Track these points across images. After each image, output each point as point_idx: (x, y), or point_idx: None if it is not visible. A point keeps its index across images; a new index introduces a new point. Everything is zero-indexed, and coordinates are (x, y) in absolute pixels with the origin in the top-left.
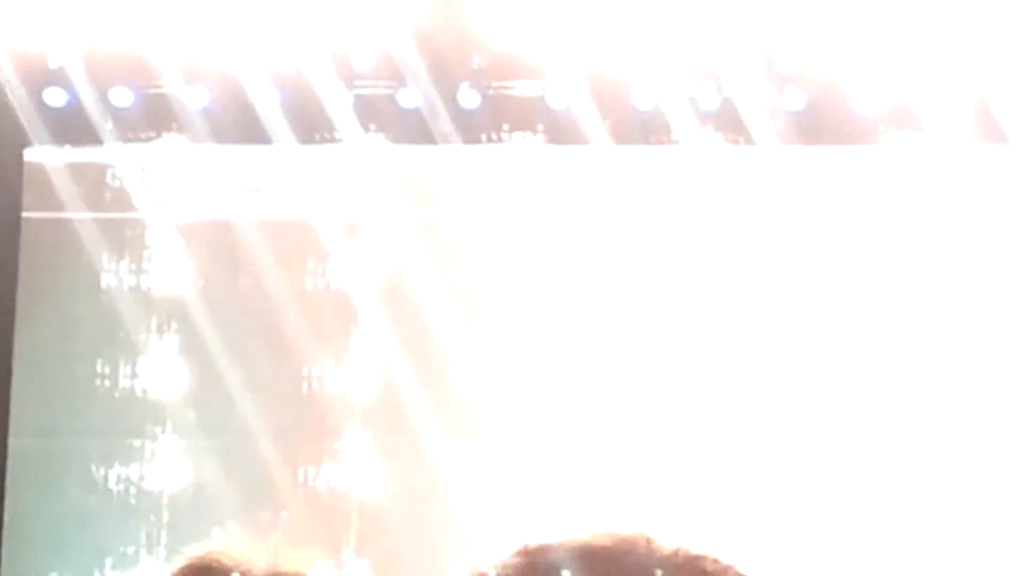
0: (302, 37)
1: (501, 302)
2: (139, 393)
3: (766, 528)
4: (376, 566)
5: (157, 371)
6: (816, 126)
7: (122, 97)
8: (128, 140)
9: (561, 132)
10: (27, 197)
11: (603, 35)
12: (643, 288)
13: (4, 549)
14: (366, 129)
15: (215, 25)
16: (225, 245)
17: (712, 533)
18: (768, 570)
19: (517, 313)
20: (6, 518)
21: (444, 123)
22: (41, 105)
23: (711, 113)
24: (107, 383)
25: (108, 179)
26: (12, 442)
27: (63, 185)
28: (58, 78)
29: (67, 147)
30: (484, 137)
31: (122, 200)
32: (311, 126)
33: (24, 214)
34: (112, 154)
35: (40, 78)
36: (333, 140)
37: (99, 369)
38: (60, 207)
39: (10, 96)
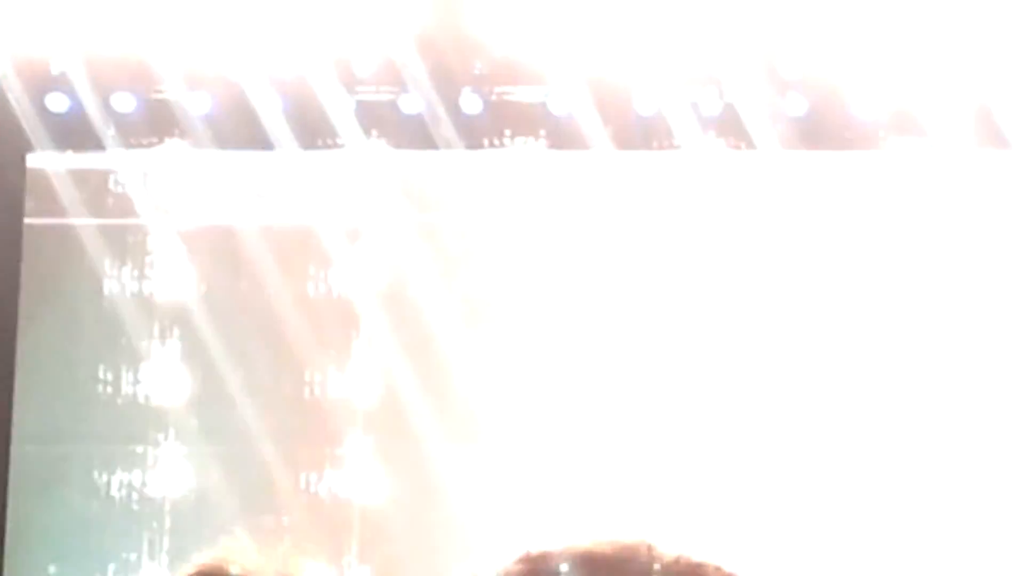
0: (304, 43)
1: (503, 308)
2: (141, 399)
3: (768, 536)
4: (378, 572)
5: (159, 377)
6: (818, 131)
7: (124, 103)
8: (130, 146)
9: (563, 137)
10: (29, 203)
11: (605, 40)
12: (645, 294)
13: (6, 555)
14: (368, 135)
15: (217, 31)
16: (227, 251)
17: (714, 541)
18: None
19: (519, 319)
20: (8, 524)
21: (446, 129)
22: (43, 111)
23: (713, 118)
24: (109, 389)
25: (110, 185)
26: (14, 448)
27: (65, 191)
28: (60, 83)
29: (69, 153)
30: (486, 142)
31: (124, 206)
32: (313, 132)
33: (26, 220)
34: (114, 160)
35: (42, 83)
36: (335, 146)
37: (101, 375)
38: (62, 213)
39: (12, 101)
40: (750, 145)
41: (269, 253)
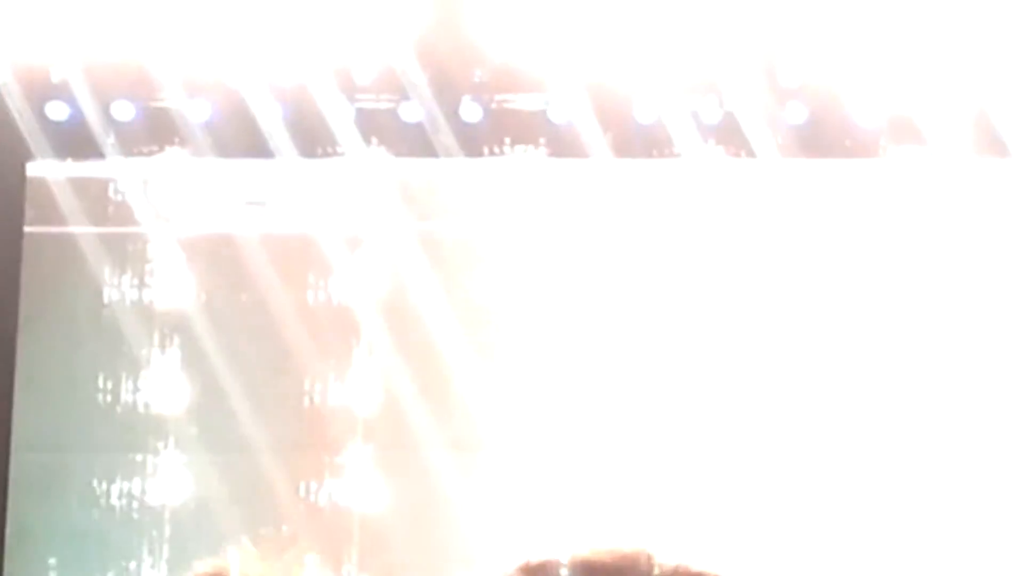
0: (304, 51)
1: (504, 316)
2: (141, 407)
3: (768, 545)
4: None
5: (159, 385)
6: (817, 139)
7: (124, 111)
8: (130, 154)
9: (563, 145)
10: (29, 211)
11: (604, 49)
12: (645, 301)
13: (6, 563)
14: (368, 143)
15: (217, 39)
16: (227, 259)
17: (714, 550)
18: None
19: (520, 327)
20: (8, 532)
21: (446, 137)
22: (43, 119)
23: (713, 126)
24: (109, 397)
25: (110, 193)
26: (14, 456)
27: (65, 199)
28: (60, 92)
29: (69, 161)
30: (486, 150)
31: (124, 214)
32: (313, 140)
33: (26, 228)
34: (114, 168)
35: (42, 92)
36: (335, 154)
37: (101, 383)
38: (62, 221)
39: (12, 110)
40: (750, 153)
41: (269, 261)
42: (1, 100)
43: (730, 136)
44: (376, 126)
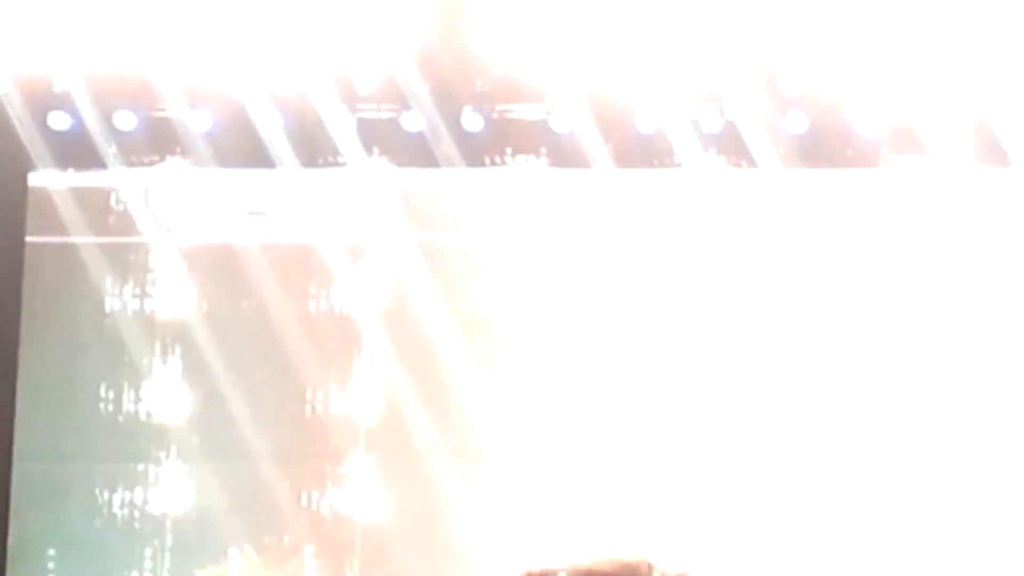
0: (305, 61)
1: (505, 325)
2: (143, 417)
3: (769, 554)
4: None
5: (161, 395)
6: (818, 149)
7: (126, 121)
8: (132, 164)
9: (564, 155)
10: (31, 221)
11: (606, 58)
12: (647, 310)
13: (9, 572)
14: (369, 152)
15: (219, 49)
16: (229, 269)
17: (715, 559)
18: None
19: (521, 336)
20: (11, 541)
21: (447, 146)
22: (45, 129)
23: (714, 136)
24: (111, 407)
25: (112, 203)
26: (16, 466)
27: (67, 209)
28: (62, 102)
29: (71, 171)
30: (487, 160)
31: (126, 224)
32: (314, 150)
33: (28, 238)
34: (116, 178)
35: (44, 102)
36: (337, 164)
37: (103, 393)
38: (64, 231)
39: (14, 120)
40: (751, 163)
41: (271, 271)
42: (3, 110)
43: (731, 146)
44: (377, 136)
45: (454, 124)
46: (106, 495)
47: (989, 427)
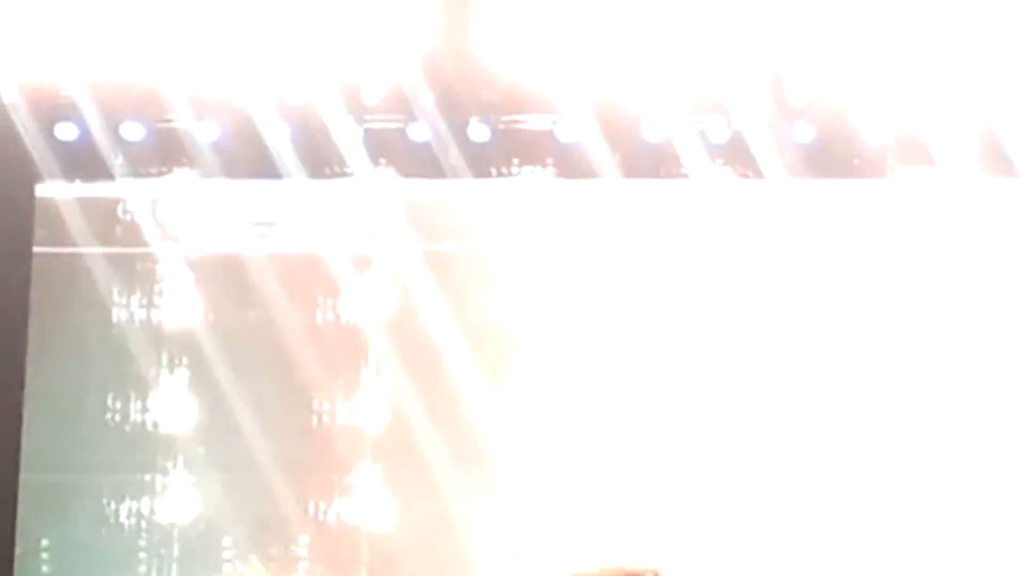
0: (312, 72)
1: (511, 335)
2: (150, 428)
3: (775, 564)
4: None
5: (168, 405)
6: (825, 159)
7: (133, 132)
8: (139, 174)
9: (571, 166)
10: (38, 232)
11: (612, 69)
12: (654, 320)
13: None
14: (376, 163)
15: (225, 61)
16: (235, 279)
17: (721, 568)
18: None
19: (527, 346)
20: (18, 551)
21: (454, 157)
22: (52, 140)
23: (720, 146)
24: (118, 417)
25: (119, 213)
26: (24, 477)
27: (74, 220)
28: (69, 113)
29: (78, 182)
30: (494, 171)
31: (133, 235)
32: (321, 160)
33: (36, 249)
34: (123, 188)
35: (51, 113)
36: (343, 174)
37: (110, 403)
38: (71, 242)
39: (22, 131)
40: (758, 173)
41: (277, 281)
42: (10, 121)
43: (738, 156)
44: (384, 146)
45: (461, 135)
46: (113, 505)
47: (996, 433)
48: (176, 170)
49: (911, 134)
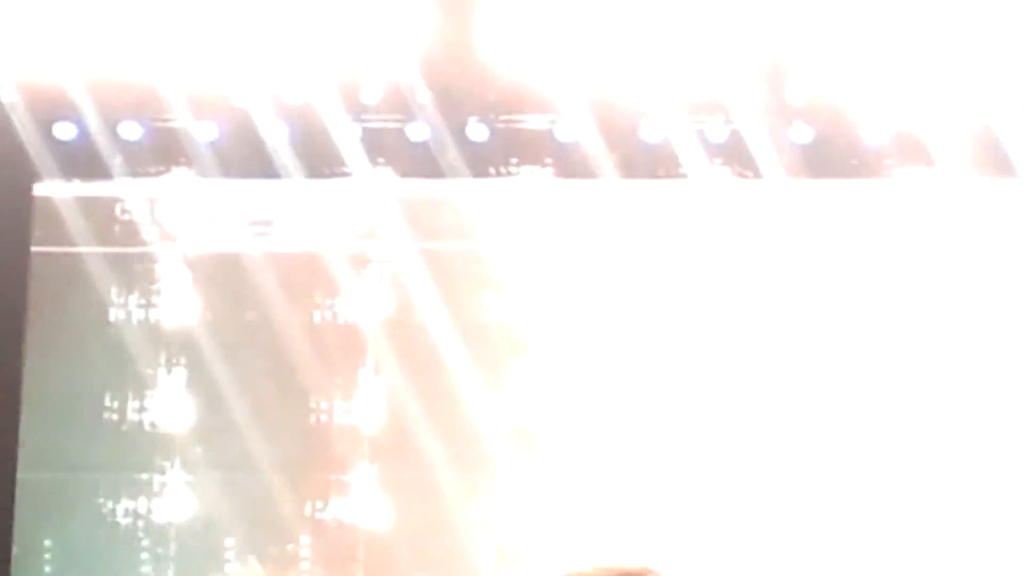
0: (310, 71)
1: (509, 335)
2: (147, 427)
3: (773, 565)
4: None
5: (165, 404)
6: (824, 159)
7: (131, 131)
8: (137, 174)
9: (569, 165)
10: (36, 231)
11: (611, 69)
12: (652, 320)
13: None
14: (374, 163)
15: (224, 60)
16: (234, 279)
17: (718, 567)
18: None
19: (525, 346)
20: (15, 551)
21: (453, 157)
22: (50, 139)
23: (719, 146)
24: (115, 417)
25: (117, 213)
26: (21, 476)
27: (72, 219)
28: (68, 112)
29: (76, 181)
30: (493, 171)
31: (131, 234)
32: (319, 160)
33: (34, 248)
34: (121, 188)
35: (50, 112)
36: (341, 174)
37: (107, 403)
38: (69, 241)
39: (20, 130)
40: (756, 173)
41: (275, 281)
42: (9, 120)
43: (736, 156)
44: (383, 146)
45: (459, 134)
46: (110, 505)
47: (994, 434)
48: (174, 169)
49: (909, 134)
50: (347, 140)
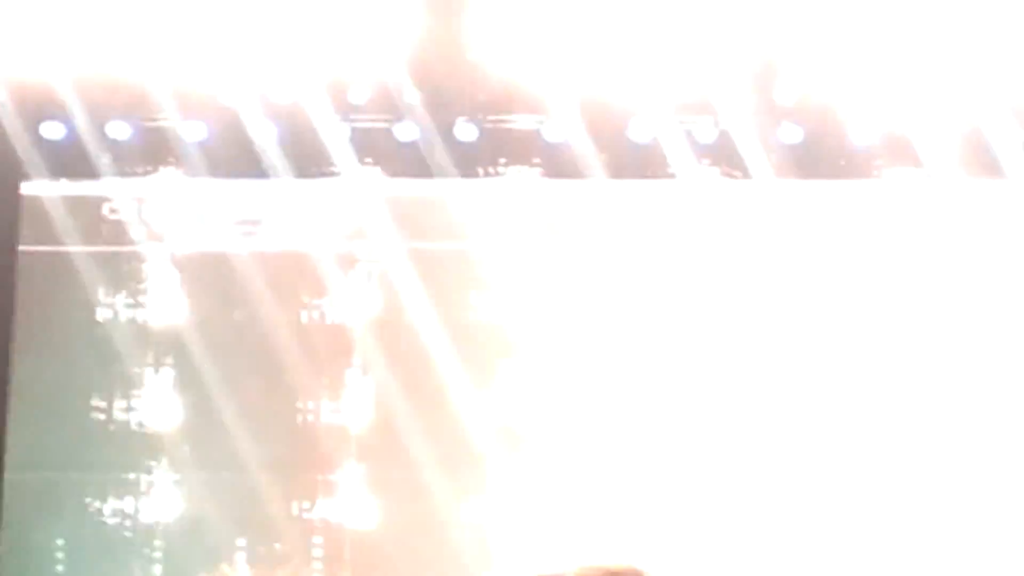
0: (299, 71)
1: (497, 334)
2: (134, 427)
3: (762, 561)
4: None
5: (152, 404)
6: (813, 160)
7: (119, 130)
8: (125, 174)
9: (558, 165)
10: (24, 230)
11: (599, 69)
12: (640, 320)
13: None
14: (363, 162)
15: (212, 60)
16: (221, 278)
17: (705, 565)
18: None
19: (513, 346)
20: (2, 550)
21: (441, 156)
22: (38, 138)
23: (707, 146)
24: (102, 416)
25: (105, 212)
26: (7, 476)
27: (60, 218)
28: (56, 111)
29: (64, 180)
30: (481, 170)
31: (119, 233)
32: (308, 159)
33: (21, 247)
34: (109, 187)
35: (38, 111)
36: (330, 173)
37: (94, 403)
38: (57, 240)
39: (8, 129)
40: (745, 173)
41: (263, 280)
42: None
43: (725, 156)
44: (371, 146)
45: (447, 134)
46: (97, 504)
47: (985, 434)
48: (162, 169)
49: (898, 135)
50: (335, 140)
